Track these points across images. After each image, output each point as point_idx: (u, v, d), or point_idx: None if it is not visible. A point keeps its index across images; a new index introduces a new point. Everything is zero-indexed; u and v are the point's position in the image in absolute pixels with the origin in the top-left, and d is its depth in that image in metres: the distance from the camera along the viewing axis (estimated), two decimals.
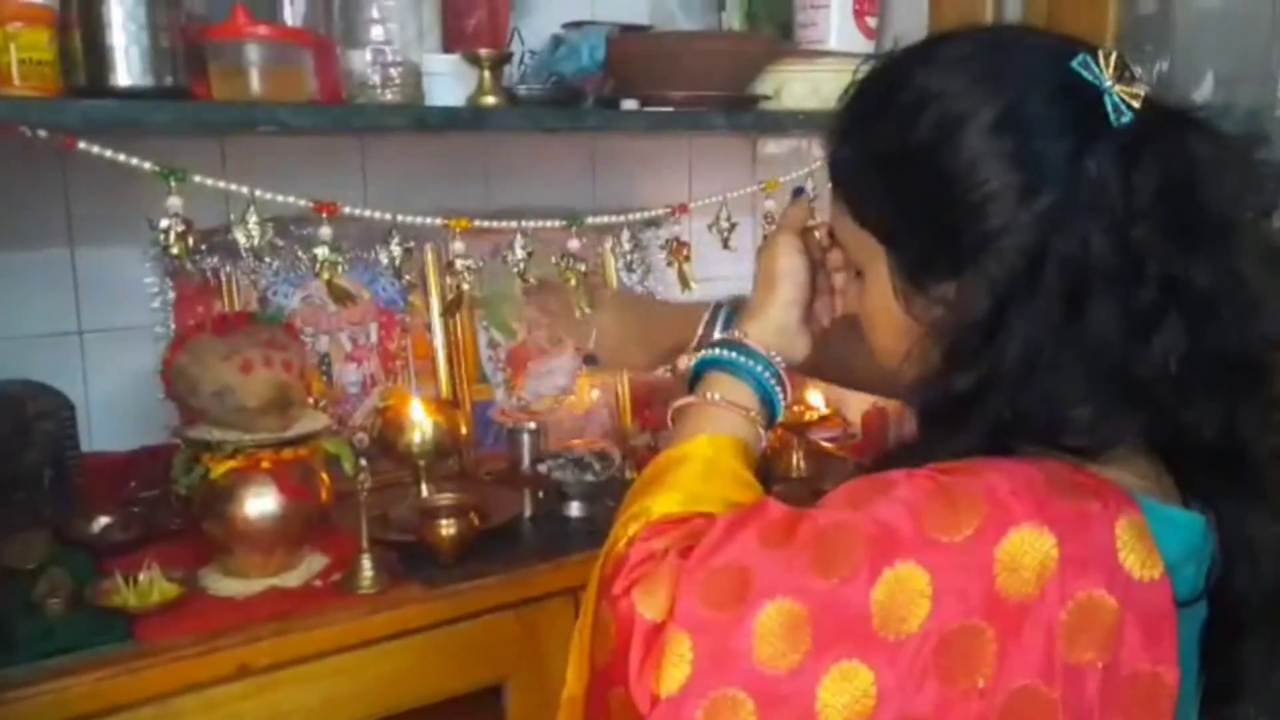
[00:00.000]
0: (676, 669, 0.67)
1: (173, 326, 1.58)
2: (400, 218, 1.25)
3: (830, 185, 0.83)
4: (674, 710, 0.67)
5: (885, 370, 1.20)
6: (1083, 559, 0.66)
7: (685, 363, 0.98)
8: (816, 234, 0.94)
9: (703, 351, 0.91)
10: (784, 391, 0.89)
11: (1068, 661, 0.65)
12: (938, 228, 0.74)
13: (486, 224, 1.31)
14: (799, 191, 1.00)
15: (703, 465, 0.82)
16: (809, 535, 0.69)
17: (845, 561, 0.67)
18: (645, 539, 0.75)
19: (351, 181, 1.72)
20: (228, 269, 1.59)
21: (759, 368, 0.88)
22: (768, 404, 0.88)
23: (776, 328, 0.91)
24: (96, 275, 1.58)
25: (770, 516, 0.72)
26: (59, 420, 1.45)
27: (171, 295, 1.59)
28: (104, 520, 1.44)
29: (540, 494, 1.60)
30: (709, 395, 0.87)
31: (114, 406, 1.59)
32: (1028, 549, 0.65)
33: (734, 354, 0.89)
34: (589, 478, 1.59)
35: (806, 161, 1.65)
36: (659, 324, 1.45)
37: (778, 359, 0.89)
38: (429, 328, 1.77)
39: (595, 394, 1.99)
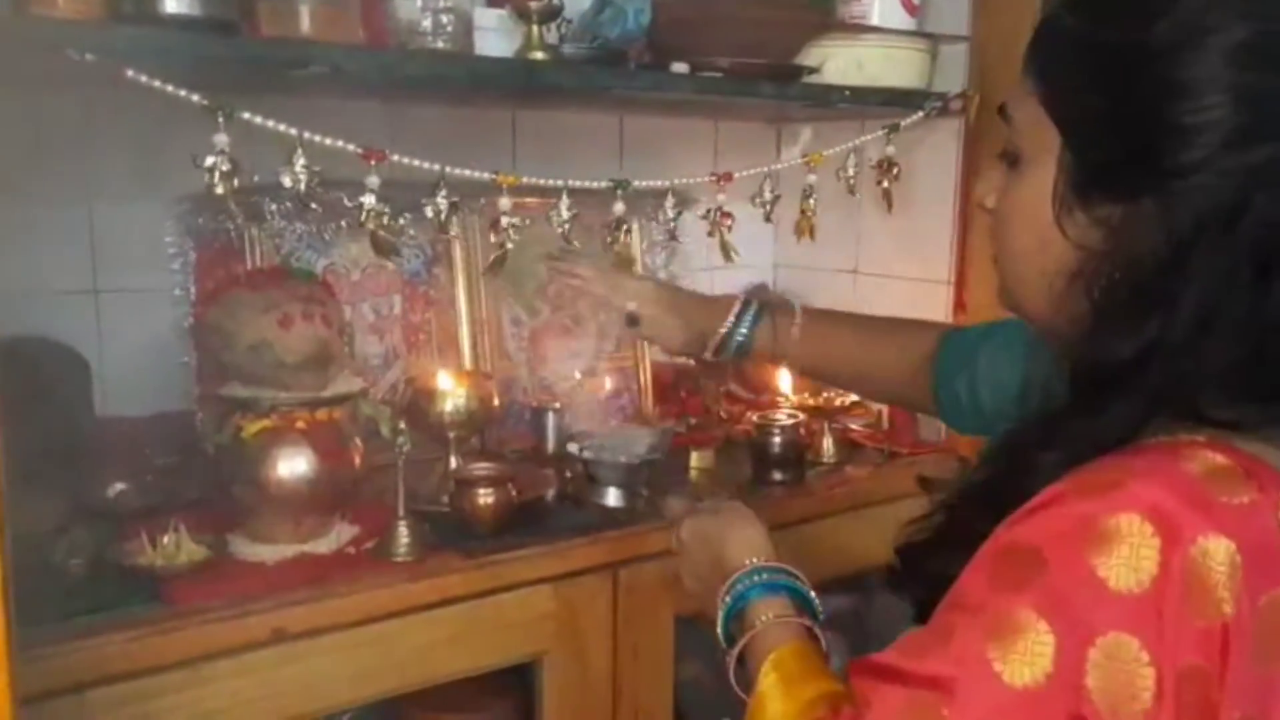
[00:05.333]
0: None
1: (193, 289, 1.52)
2: (450, 169, 1.20)
3: (1027, 56, 0.77)
4: None
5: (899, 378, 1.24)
6: (1260, 562, 0.62)
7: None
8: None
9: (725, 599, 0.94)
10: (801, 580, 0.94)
11: (1257, 675, 0.61)
12: (1135, 139, 0.69)
13: (533, 180, 1.27)
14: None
15: (780, 692, 0.82)
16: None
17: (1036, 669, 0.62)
18: None
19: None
20: (252, 231, 1.53)
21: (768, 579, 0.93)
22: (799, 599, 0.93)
23: (756, 534, 1.00)
24: (114, 233, 1.51)
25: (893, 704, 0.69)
26: (76, 381, 1.39)
27: (192, 257, 1.53)
28: (119, 486, 1.37)
29: (569, 474, 1.55)
30: (758, 622, 0.90)
31: (129, 370, 1.52)
32: (1213, 563, 0.60)
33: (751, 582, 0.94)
34: (622, 459, 1.54)
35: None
36: (695, 305, 1.42)
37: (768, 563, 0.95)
38: (453, 302, 1.71)
39: (608, 382, 1.94)
